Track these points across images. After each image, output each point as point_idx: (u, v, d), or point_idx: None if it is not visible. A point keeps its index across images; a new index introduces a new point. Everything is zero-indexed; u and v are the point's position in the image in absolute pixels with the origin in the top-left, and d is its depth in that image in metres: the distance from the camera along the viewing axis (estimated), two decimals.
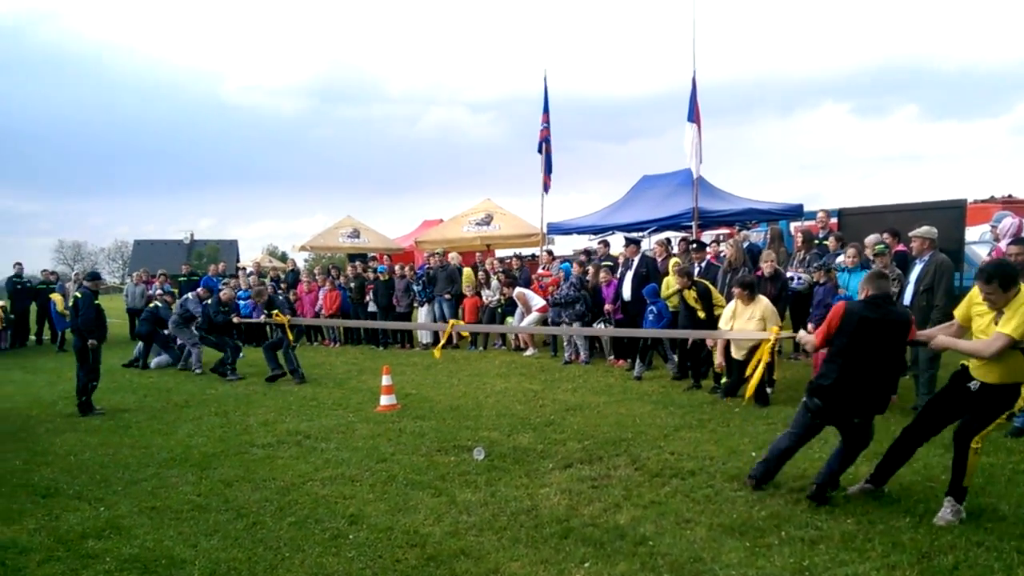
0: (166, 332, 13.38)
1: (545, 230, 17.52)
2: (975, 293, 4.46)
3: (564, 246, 23.73)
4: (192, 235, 72.79)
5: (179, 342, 13.18)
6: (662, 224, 15.80)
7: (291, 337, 11.14)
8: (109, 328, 12.32)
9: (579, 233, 18.43)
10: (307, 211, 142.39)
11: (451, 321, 5.72)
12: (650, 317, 10.00)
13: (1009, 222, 6.61)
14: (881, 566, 3.94)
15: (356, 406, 9.00)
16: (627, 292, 10.80)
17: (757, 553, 4.25)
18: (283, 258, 46.80)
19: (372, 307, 15.21)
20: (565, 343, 12.00)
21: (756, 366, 6.36)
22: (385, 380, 8.94)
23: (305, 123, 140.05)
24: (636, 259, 10.88)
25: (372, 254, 20.39)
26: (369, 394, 9.46)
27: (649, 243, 15.53)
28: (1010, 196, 18.59)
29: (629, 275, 10.86)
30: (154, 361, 13.44)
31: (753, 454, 6.09)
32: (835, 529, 4.46)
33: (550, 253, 14.96)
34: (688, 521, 4.81)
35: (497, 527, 4.91)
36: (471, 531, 4.87)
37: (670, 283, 9.92)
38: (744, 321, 7.85)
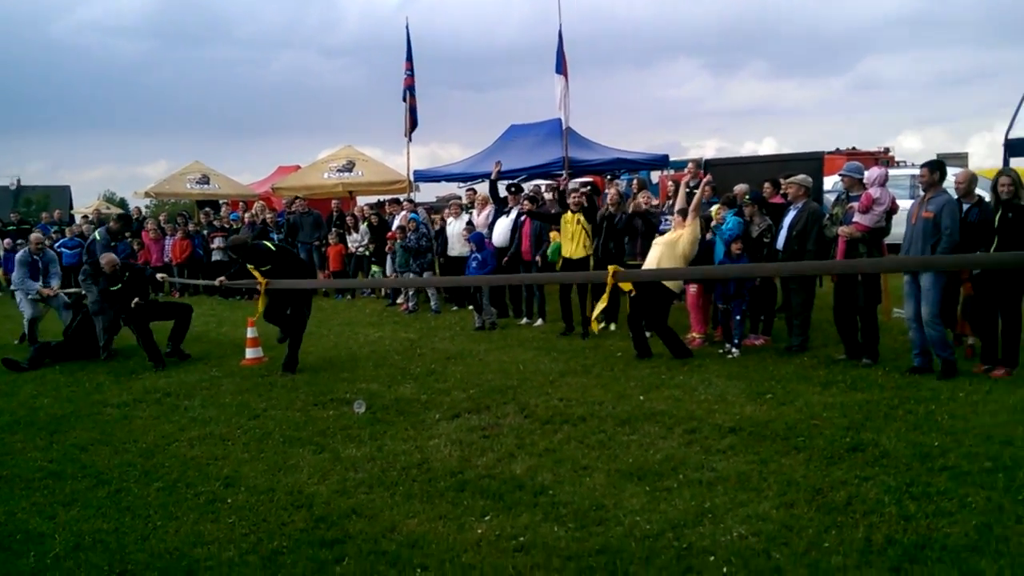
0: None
1: (412, 177, 17.05)
2: None
3: (428, 193, 23.37)
4: (19, 180, 64.59)
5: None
6: (532, 172, 15.80)
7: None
8: None
9: (447, 180, 18.13)
10: (148, 156, 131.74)
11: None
12: (473, 265, 9.88)
13: (876, 171, 6.98)
14: (779, 504, 4.01)
15: (219, 360, 8.34)
16: (503, 239, 10.53)
17: (658, 497, 4.22)
18: (123, 205, 42.91)
19: (217, 256, 14.15)
20: (403, 293, 11.89)
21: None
22: (250, 332, 8.29)
23: (144, 64, 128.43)
24: (516, 208, 10.60)
25: (224, 201, 19.09)
26: (232, 347, 8.79)
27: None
28: (854, 148, 20.09)
29: (506, 221, 10.59)
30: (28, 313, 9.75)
31: (641, 398, 6.13)
32: (731, 470, 4.51)
33: (411, 201, 14.50)
34: (585, 468, 4.72)
35: (388, 483, 4.64)
36: (360, 488, 4.58)
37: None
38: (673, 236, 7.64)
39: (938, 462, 4.46)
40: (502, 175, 15.47)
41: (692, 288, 8.20)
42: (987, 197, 6.51)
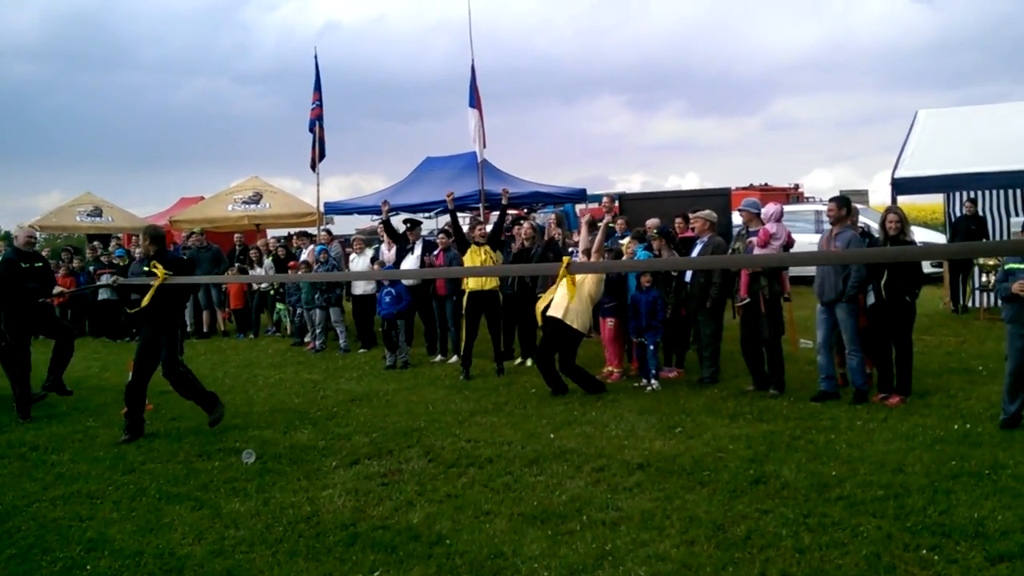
0: None
1: (322, 209, 16.59)
2: None
3: (345, 226, 22.90)
4: None
5: None
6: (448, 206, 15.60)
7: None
8: None
9: (360, 213, 17.70)
10: (41, 186, 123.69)
11: None
12: (387, 299, 9.61)
13: (772, 207, 7.13)
14: (680, 543, 3.88)
15: (97, 409, 7.67)
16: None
17: (559, 541, 4.02)
18: (5, 239, 40.34)
19: (104, 294, 13.23)
20: (310, 330, 11.35)
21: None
22: None
23: (38, 89, 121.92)
24: (419, 243, 10.38)
25: (117, 235, 18.09)
26: (114, 394, 8.06)
27: (437, 224, 15.32)
28: (766, 184, 20.87)
29: (412, 259, 10.34)
30: None
31: (552, 436, 5.94)
32: (635, 509, 4.36)
33: (329, 232, 14.10)
34: (487, 513, 4.49)
35: (271, 540, 4.28)
36: (240, 547, 4.20)
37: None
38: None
39: (834, 492, 4.46)
40: (414, 208, 15.37)
41: (609, 322, 8.15)
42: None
